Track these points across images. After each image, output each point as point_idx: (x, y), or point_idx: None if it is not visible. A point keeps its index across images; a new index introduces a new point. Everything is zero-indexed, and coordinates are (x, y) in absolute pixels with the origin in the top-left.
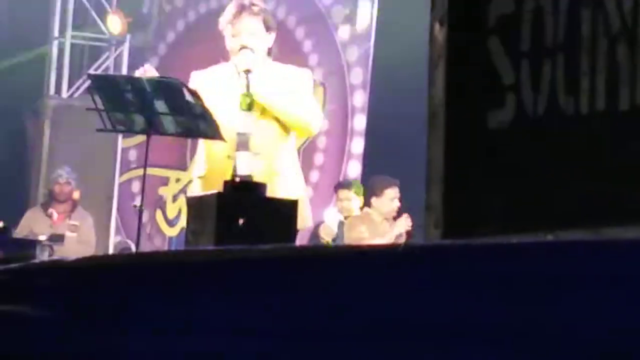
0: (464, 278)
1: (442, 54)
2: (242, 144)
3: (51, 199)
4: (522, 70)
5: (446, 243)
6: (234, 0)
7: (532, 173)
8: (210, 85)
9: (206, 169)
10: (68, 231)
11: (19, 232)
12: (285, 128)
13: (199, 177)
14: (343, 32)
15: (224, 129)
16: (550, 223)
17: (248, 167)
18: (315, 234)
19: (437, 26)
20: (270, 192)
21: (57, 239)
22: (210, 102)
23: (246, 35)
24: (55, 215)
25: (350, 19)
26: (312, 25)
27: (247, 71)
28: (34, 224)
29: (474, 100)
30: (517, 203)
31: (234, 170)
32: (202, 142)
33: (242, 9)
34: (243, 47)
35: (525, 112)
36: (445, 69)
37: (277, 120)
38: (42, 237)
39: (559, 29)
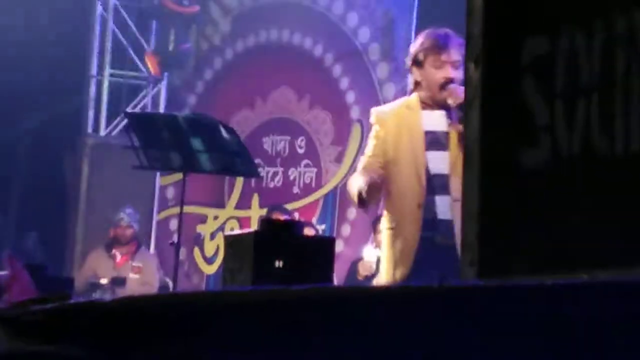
0: (499, 318)
1: (477, 94)
2: (441, 186)
3: (113, 240)
4: (556, 110)
5: (481, 283)
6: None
7: (567, 213)
8: (395, 124)
9: (395, 220)
10: (131, 273)
11: (83, 273)
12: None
13: (389, 229)
14: (380, 70)
15: (411, 170)
16: (586, 263)
17: (449, 212)
18: (353, 270)
19: (471, 66)
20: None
21: (119, 282)
22: (395, 141)
23: (452, 68)
24: (118, 257)
25: (387, 56)
26: (349, 63)
27: (460, 105)
28: (97, 266)
29: (508, 140)
30: (552, 242)
31: (434, 215)
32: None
33: (446, 39)
34: (449, 80)
35: (559, 152)
36: (480, 109)
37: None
38: (104, 281)
39: (593, 69)
